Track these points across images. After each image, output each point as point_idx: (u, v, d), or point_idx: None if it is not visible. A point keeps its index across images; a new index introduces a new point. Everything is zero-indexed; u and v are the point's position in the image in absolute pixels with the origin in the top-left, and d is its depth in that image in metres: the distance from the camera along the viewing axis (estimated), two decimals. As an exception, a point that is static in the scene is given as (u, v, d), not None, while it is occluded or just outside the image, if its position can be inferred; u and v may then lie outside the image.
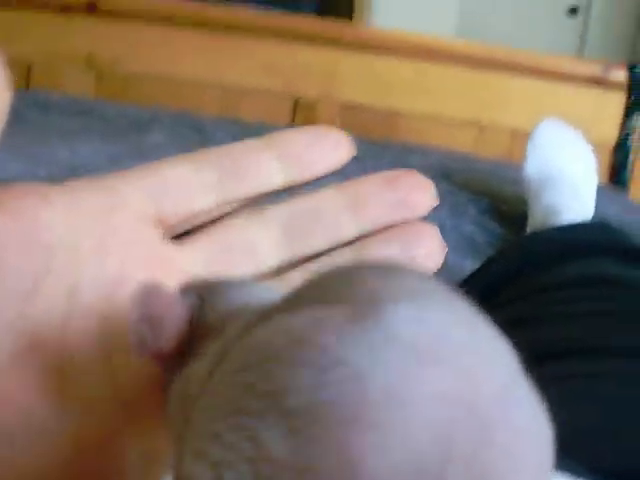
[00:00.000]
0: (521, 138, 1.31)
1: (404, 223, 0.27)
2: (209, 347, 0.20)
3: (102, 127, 1.24)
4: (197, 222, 0.27)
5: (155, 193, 0.26)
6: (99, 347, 0.24)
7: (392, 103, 1.43)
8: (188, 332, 0.21)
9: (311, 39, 1.42)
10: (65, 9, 1.40)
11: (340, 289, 0.16)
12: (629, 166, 1.45)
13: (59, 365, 0.23)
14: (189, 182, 0.26)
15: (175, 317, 0.21)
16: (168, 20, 1.41)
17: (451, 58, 1.43)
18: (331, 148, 0.28)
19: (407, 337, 0.14)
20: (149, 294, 0.21)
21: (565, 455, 0.41)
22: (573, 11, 2.20)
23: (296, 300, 0.17)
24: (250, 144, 0.27)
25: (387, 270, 0.16)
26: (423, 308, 0.15)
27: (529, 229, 1.01)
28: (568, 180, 1.01)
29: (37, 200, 0.24)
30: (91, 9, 1.40)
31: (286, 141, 0.27)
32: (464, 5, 2.06)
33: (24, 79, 1.42)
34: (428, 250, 0.27)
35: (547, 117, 1.12)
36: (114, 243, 0.25)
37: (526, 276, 0.72)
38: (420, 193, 0.28)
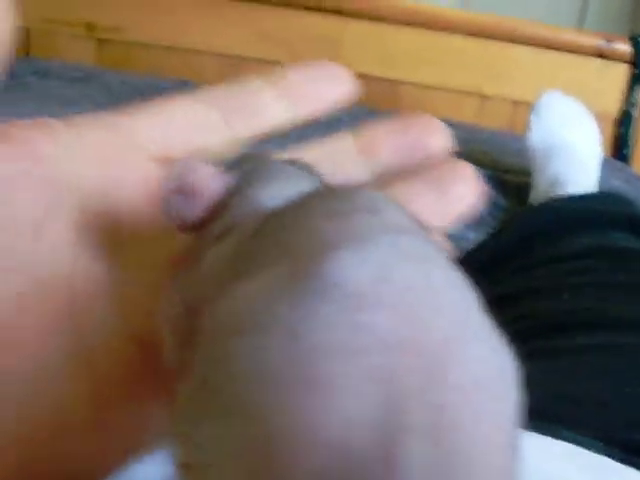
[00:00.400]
0: (523, 109, 1.31)
1: (437, 162, 0.27)
2: (224, 240, 0.20)
3: (103, 95, 1.23)
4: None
5: (162, 132, 0.25)
6: (108, 288, 0.23)
7: (395, 73, 1.43)
8: (217, 210, 0.21)
9: (315, 8, 1.41)
10: (65, -25, 1.39)
11: (290, 238, 0.16)
12: (632, 139, 1.44)
13: (68, 307, 0.23)
14: (196, 121, 0.26)
15: (209, 191, 0.21)
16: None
17: (454, 28, 1.42)
18: (334, 82, 0.28)
19: (345, 284, 0.14)
20: (187, 166, 0.21)
21: (576, 424, 0.42)
22: (575, -18, 2.18)
23: (254, 255, 0.17)
24: (252, 82, 0.27)
25: (340, 206, 0.16)
26: (364, 249, 0.14)
27: (532, 200, 1.00)
28: (572, 151, 1.00)
29: (42, 133, 0.23)
30: (92, -26, 1.39)
31: (288, 77, 0.27)
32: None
33: (23, 46, 1.41)
34: (464, 189, 0.26)
35: (550, 88, 1.11)
36: (121, 182, 0.24)
37: (535, 247, 0.72)
38: (434, 135, 0.27)
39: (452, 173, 0.26)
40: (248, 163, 0.23)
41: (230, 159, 0.24)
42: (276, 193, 0.21)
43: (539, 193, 0.99)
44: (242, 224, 0.20)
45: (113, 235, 0.24)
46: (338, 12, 1.41)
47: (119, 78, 1.31)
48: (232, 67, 1.44)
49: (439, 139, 0.27)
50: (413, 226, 0.16)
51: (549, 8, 2.12)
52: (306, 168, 0.23)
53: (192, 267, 0.21)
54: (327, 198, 0.17)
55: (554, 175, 0.97)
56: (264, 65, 1.43)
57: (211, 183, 0.22)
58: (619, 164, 1.34)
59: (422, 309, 0.14)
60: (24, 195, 0.22)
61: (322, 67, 0.28)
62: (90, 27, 1.41)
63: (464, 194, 0.26)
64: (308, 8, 1.41)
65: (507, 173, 1.14)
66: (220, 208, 0.22)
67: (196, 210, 0.21)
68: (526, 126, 1.07)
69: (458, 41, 1.42)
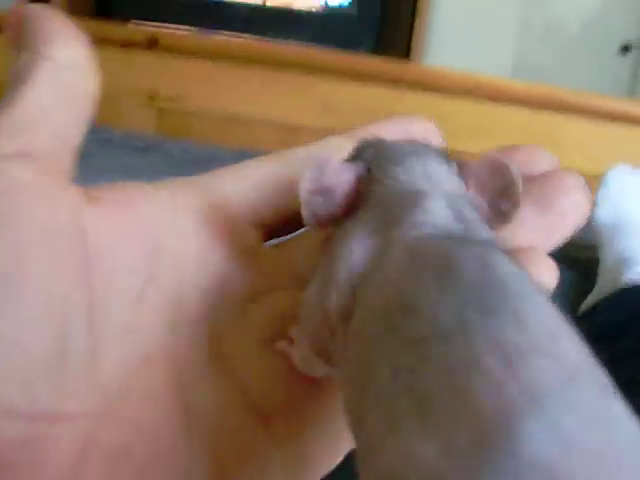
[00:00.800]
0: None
1: (540, 177, 0.25)
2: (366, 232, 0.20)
3: (164, 164, 1.24)
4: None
5: (253, 194, 0.25)
6: (213, 359, 0.23)
7: (452, 143, 1.42)
8: (354, 198, 0.22)
9: (371, 78, 1.42)
10: (126, 45, 1.41)
11: (458, 376, 0.15)
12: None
13: (176, 380, 0.22)
14: (284, 182, 0.25)
15: (344, 185, 0.22)
16: (229, 57, 1.41)
17: (510, 98, 1.43)
18: (420, 134, 0.27)
19: (535, 459, 0.13)
20: (318, 165, 0.22)
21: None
22: (625, 49, 2.19)
23: (422, 400, 0.16)
24: (334, 140, 0.28)
25: (513, 338, 0.15)
26: (551, 418, 0.14)
27: (601, 276, 0.99)
28: (641, 227, 0.99)
29: (138, 194, 0.23)
30: (152, 45, 1.41)
31: (370, 132, 0.27)
32: (519, 44, 2.06)
33: (85, 114, 1.43)
34: (570, 201, 0.25)
35: (606, 159, 1.10)
36: (219, 247, 0.24)
37: (626, 334, 0.70)
38: (538, 159, 0.26)
39: (556, 186, 0.25)
40: (369, 149, 0.23)
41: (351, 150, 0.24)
42: (409, 171, 0.21)
43: (607, 269, 0.97)
44: (383, 213, 0.20)
45: (213, 305, 0.23)
46: (394, 82, 1.42)
47: (180, 147, 1.33)
48: (290, 136, 1.45)
49: (544, 161, 0.26)
50: (588, 358, 0.16)
51: (599, 76, 2.12)
52: (426, 145, 0.23)
53: (335, 261, 0.21)
54: (490, 313, 0.16)
55: (622, 251, 0.96)
56: (322, 135, 1.44)
57: (344, 177, 0.22)
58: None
59: (611, 475, 0.13)
60: (124, 261, 0.21)
61: (407, 119, 0.28)
62: (151, 96, 1.43)
63: (571, 206, 0.25)
64: (364, 78, 1.42)
65: (572, 247, 1.13)
66: (357, 197, 0.22)
67: (335, 206, 0.22)
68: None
69: (514, 111, 1.42)
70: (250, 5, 1.78)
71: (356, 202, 0.22)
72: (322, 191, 0.22)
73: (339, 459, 0.24)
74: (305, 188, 0.22)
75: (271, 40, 1.47)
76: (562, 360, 0.15)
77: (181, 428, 0.21)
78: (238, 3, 1.78)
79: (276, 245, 0.26)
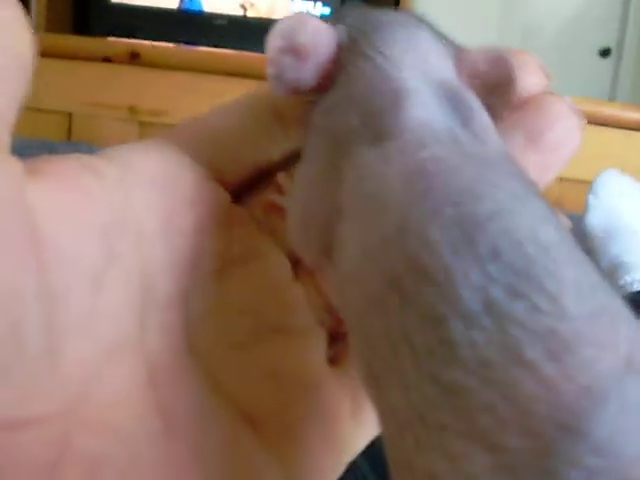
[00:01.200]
0: (569, 186, 1.29)
1: (527, 103, 0.23)
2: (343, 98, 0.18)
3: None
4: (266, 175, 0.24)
5: (213, 151, 0.23)
6: (188, 351, 0.20)
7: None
8: (333, 69, 0.19)
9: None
10: (107, 59, 1.39)
11: (500, 381, 0.13)
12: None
13: (148, 378, 0.20)
14: (247, 135, 0.23)
15: (322, 48, 0.19)
16: (210, 69, 1.40)
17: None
18: None
19: (608, 473, 0.12)
20: (295, 23, 0.19)
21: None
22: (605, 53, 2.19)
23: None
24: None
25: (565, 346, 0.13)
26: (615, 423, 0.12)
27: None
28: (634, 232, 0.98)
29: (82, 169, 0.20)
30: (133, 59, 1.39)
31: None
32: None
33: (65, 130, 1.41)
34: (562, 132, 0.22)
35: (595, 164, 1.10)
36: (183, 216, 0.21)
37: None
38: (529, 73, 0.23)
39: (545, 115, 0.22)
40: (352, 15, 0.20)
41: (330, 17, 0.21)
42: (398, 47, 0.19)
43: (602, 275, 0.96)
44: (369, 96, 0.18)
45: (182, 285, 0.21)
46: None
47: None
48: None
49: (534, 76, 0.23)
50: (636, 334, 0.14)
51: (580, 81, 2.13)
52: (418, 21, 0.21)
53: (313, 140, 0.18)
54: (519, 295, 0.14)
55: (617, 259, 0.95)
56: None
57: (323, 39, 0.19)
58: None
59: None
60: (77, 240, 0.18)
61: None
62: (133, 110, 1.41)
63: (562, 138, 0.22)
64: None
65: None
66: (336, 69, 0.19)
67: (312, 72, 0.19)
68: (573, 203, 1.06)
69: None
70: (230, 17, 1.77)
71: (335, 74, 0.19)
72: (294, 51, 0.19)
73: (343, 464, 0.22)
74: (273, 45, 0.19)
75: (252, 51, 1.45)
76: (612, 347, 0.13)
77: (158, 433, 0.19)
78: (218, 15, 1.77)
79: (248, 204, 0.24)
